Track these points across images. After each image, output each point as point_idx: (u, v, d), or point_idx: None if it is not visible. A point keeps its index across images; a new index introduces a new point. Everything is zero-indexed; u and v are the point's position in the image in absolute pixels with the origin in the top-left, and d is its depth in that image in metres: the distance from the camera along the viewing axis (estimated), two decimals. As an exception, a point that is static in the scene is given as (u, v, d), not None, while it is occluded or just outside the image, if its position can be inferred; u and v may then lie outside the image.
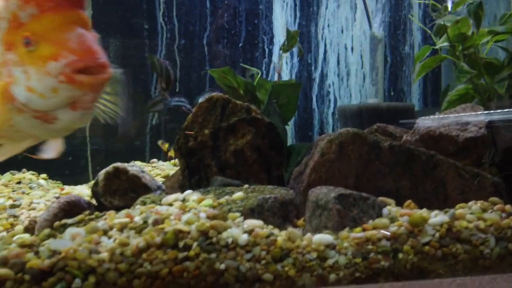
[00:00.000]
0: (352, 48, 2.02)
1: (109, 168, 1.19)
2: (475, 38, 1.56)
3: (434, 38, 1.68)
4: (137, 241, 0.85)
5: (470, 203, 1.07)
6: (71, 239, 0.88)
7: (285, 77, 1.95)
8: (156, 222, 0.90)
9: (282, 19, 1.99)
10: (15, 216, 1.21)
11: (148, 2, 1.90)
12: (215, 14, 1.92)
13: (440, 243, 0.93)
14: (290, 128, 2.04)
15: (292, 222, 1.08)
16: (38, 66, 0.77)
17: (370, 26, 1.80)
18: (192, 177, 1.31)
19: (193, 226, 0.87)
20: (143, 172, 1.23)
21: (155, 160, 1.96)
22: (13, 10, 0.79)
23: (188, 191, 1.09)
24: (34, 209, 1.28)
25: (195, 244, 0.85)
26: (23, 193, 1.44)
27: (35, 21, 0.79)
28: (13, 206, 1.26)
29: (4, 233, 1.12)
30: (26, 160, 1.87)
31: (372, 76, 1.79)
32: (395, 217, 0.98)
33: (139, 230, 0.90)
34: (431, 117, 1.34)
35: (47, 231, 0.94)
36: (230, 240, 0.86)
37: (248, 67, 1.60)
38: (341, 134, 1.21)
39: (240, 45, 2.00)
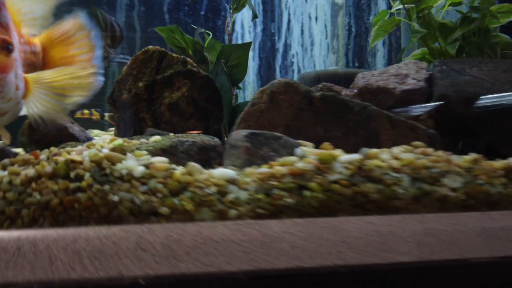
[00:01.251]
0: (316, 18, 1.98)
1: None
2: (428, 0, 1.52)
3: (391, 2, 1.64)
4: (27, 171, 0.83)
5: (393, 148, 1.03)
6: (-34, 171, 0.87)
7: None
8: (54, 156, 0.88)
9: (245, -13, 1.96)
10: None
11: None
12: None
13: (350, 181, 0.89)
14: (249, 96, 2.01)
15: (212, 168, 1.06)
16: None
17: (331, -9, 1.77)
18: (127, 130, 1.29)
19: (86, 157, 0.85)
20: (72, 123, 1.21)
21: (113, 128, 1.94)
22: None
23: (107, 136, 1.07)
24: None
25: (87, 174, 0.83)
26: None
27: None
28: None
29: None
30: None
31: (332, 43, 1.75)
32: (305, 156, 0.94)
33: (37, 164, 0.88)
34: (371, 72, 1.30)
35: None
36: (124, 172, 0.84)
37: (197, 27, 1.58)
38: (273, 84, 1.18)
39: (202, 13, 1.97)
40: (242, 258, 0.82)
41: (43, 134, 1.17)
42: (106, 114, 1.85)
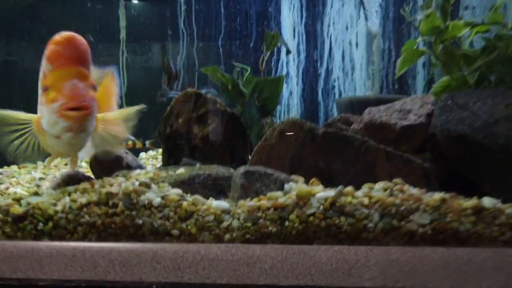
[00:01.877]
0: (356, 44, 2.09)
1: (99, 149, 1.52)
2: (449, 31, 1.58)
3: (419, 32, 1.72)
4: (81, 199, 1.15)
5: (377, 184, 1.17)
6: (46, 196, 1.22)
7: (293, 72, 2.12)
8: (101, 187, 1.19)
9: (289, 19, 2.15)
10: (38, 186, 1.60)
11: (171, 12, 2.23)
12: (228, 18, 2.17)
13: (324, 215, 1.06)
14: (288, 113, 2.19)
15: (226, 196, 1.29)
16: (48, 106, 1.16)
17: (367, 21, 1.86)
18: (170, 159, 1.58)
19: (120, 190, 1.14)
20: (126, 153, 1.54)
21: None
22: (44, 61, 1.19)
23: (149, 168, 1.36)
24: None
25: (120, 203, 1.12)
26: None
27: (50, 74, 1.16)
28: (40, 179, 1.67)
29: (28, 196, 1.51)
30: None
31: (368, 70, 1.85)
32: (289, 191, 1.13)
33: (90, 193, 1.20)
34: (381, 107, 1.42)
35: (34, 189, 1.29)
36: (146, 202, 1.11)
37: (237, 64, 1.81)
38: (282, 122, 1.37)
39: (251, 45, 2.21)
40: (230, 274, 1.04)
41: (106, 163, 1.51)
42: (147, 142, 2.18)
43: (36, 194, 1.28)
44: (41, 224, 1.13)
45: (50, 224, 1.13)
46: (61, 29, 1.20)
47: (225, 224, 1.08)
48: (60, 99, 1.13)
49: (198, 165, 1.39)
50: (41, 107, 1.21)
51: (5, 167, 2.01)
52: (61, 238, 1.13)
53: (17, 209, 1.16)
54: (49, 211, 1.14)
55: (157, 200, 1.11)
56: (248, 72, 1.84)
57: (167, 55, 1.99)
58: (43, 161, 2.20)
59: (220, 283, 1.05)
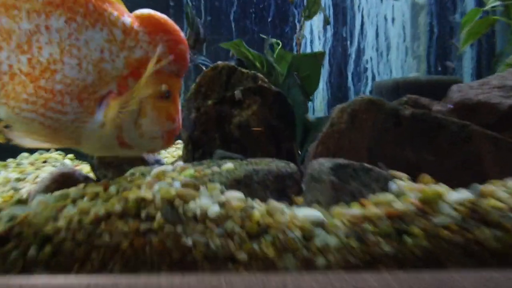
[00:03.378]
0: (393, 19, 1.80)
1: (103, 139, 1.13)
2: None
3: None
4: (97, 209, 0.77)
5: (507, 180, 0.86)
6: (37, 205, 0.83)
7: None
8: (124, 190, 0.82)
9: (314, -10, 1.83)
10: (16, 189, 1.19)
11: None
12: (242, -12, 1.81)
13: (460, 226, 0.74)
14: (318, 105, 1.87)
15: (291, 199, 0.95)
16: (159, 116, 0.87)
17: (412, -10, 1.58)
18: (196, 151, 1.22)
19: (157, 194, 0.77)
20: (140, 145, 1.15)
21: (180, 141, 1.90)
22: (159, 54, 0.84)
23: (179, 163, 1.00)
24: (37, 183, 1.26)
25: (158, 214, 0.75)
26: (34, 171, 1.44)
27: (173, 80, 0.88)
28: (17, 180, 1.26)
29: (1, 204, 1.10)
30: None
31: (413, 48, 1.57)
32: (403, 193, 0.80)
33: (107, 199, 0.82)
34: (469, 83, 1.12)
35: (16, 198, 0.89)
36: (198, 211, 0.75)
37: (266, 37, 1.47)
38: (354, 102, 1.05)
39: (269, 20, 1.86)
40: (333, 318, 0.71)
41: (114, 156, 1.12)
42: None
43: (20, 202, 0.88)
44: (33, 249, 0.75)
45: (48, 248, 0.75)
46: None
47: (317, 242, 0.74)
48: (176, 122, 0.89)
49: (242, 160, 1.04)
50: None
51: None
52: (66, 269, 0.75)
53: (-5, 227, 0.76)
54: (46, 229, 0.75)
55: (214, 209, 0.75)
56: (280, 47, 1.50)
57: (192, 9, 1.58)
58: (15, 158, 1.77)
59: (319, 333, 0.71)
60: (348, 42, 1.91)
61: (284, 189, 0.94)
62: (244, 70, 1.19)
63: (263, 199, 0.86)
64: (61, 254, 0.75)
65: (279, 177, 0.93)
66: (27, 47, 0.81)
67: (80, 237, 0.75)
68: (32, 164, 1.67)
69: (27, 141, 0.87)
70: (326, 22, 1.48)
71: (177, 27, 0.87)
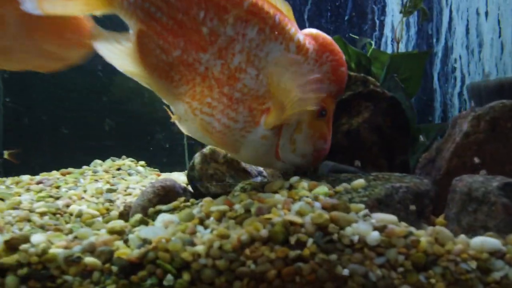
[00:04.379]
0: (486, 13, 1.65)
1: (206, 149, 1.06)
2: None
3: None
4: (238, 233, 0.69)
5: None
6: (164, 227, 0.76)
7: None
8: (260, 211, 0.74)
9: (395, -16, 1.71)
10: (111, 201, 1.14)
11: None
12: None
13: None
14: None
15: (429, 220, 0.84)
16: (314, 134, 0.87)
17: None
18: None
19: (307, 218, 0.69)
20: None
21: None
22: (322, 73, 0.86)
23: (295, 177, 0.90)
24: (130, 194, 1.21)
25: (310, 240, 0.67)
26: (122, 179, 1.39)
27: (329, 100, 0.87)
28: (110, 191, 1.21)
29: (100, 219, 1.05)
30: (126, 148, 1.87)
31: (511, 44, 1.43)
32: None
33: (240, 221, 0.74)
34: None
35: (138, 216, 0.83)
36: (356, 238, 0.66)
37: (359, 37, 1.37)
38: (494, 108, 0.93)
39: (346, 18, 1.75)
40: None
41: (216, 169, 1.05)
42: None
43: (142, 222, 0.82)
44: (170, 277, 0.67)
45: (186, 276, 0.67)
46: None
47: (496, 275, 0.64)
48: (328, 142, 0.90)
49: (361, 173, 0.94)
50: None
51: (43, 173, 1.53)
52: (206, 299, 0.68)
53: (126, 252, 0.69)
54: (184, 255, 0.68)
55: (373, 236, 0.66)
56: (372, 47, 1.39)
57: None
58: (89, 165, 1.74)
59: None
60: (434, 40, 1.78)
61: (423, 209, 0.84)
62: (352, 73, 1.09)
63: (406, 222, 0.76)
64: (200, 282, 0.68)
65: (418, 195, 0.83)
66: (224, 52, 0.80)
67: (222, 265, 0.67)
68: (106, 171, 1.62)
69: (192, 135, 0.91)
70: (424, 17, 1.36)
71: (340, 50, 0.88)
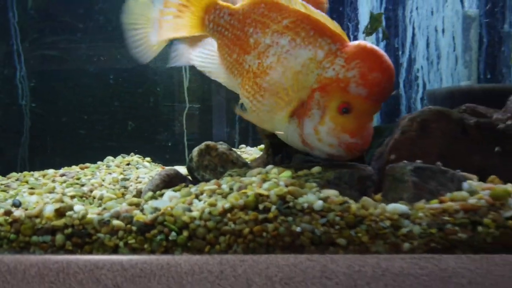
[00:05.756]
0: (443, 30, 1.93)
1: (202, 145, 1.33)
2: None
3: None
4: (223, 203, 0.96)
5: None
6: (169, 200, 1.03)
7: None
8: (240, 188, 1.01)
9: (367, 5, 1.98)
10: (125, 187, 1.41)
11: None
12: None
13: (526, 218, 0.89)
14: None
15: (370, 197, 1.11)
16: (335, 127, 1.04)
17: (463, 4, 1.70)
18: (276, 155, 1.39)
19: (272, 192, 0.95)
20: (230, 150, 1.35)
21: (243, 145, 2.10)
22: (347, 77, 1.03)
23: (270, 166, 1.18)
24: (140, 182, 1.47)
25: (273, 207, 0.94)
26: (132, 171, 1.66)
27: (356, 99, 1.03)
28: (124, 179, 1.47)
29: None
30: (133, 146, 2.14)
31: (465, 58, 1.69)
32: (475, 191, 0.96)
33: (225, 195, 1.01)
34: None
35: (150, 194, 1.10)
36: (306, 205, 0.93)
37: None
38: (423, 112, 1.20)
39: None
40: (420, 290, 0.87)
41: (210, 161, 1.32)
42: None
43: (153, 197, 1.09)
44: (173, 234, 0.94)
45: (185, 233, 0.94)
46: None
47: (404, 230, 0.91)
48: (357, 138, 1.05)
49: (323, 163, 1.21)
50: (315, 107, 1.07)
51: (65, 168, 1.80)
52: (199, 250, 0.95)
53: (142, 217, 0.97)
54: (184, 218, 0.95)
55: (319, 203, 0.93)
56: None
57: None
58: (102, 161, 2.01)
59: (408, 303, 0.87)
60: (400, 52, 2.05)
61: (365, 188, 1.11)
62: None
63: (350, 197, 1.03)
64: (195, 238, 0.94)
65: (361, 178, 1.09)
66: (262, 55, 1.10)
67: (211, 225, 0.94)
68: (118, 166, 1.89)
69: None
70: (385, 37, 1.63)
71: (382, 58, 1.02)
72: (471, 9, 1.75)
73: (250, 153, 2.03)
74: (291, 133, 1.11)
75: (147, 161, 2.04)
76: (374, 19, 1.55)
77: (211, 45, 1.27)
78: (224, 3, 1.22)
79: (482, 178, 1.09)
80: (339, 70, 1.03)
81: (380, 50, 1.04)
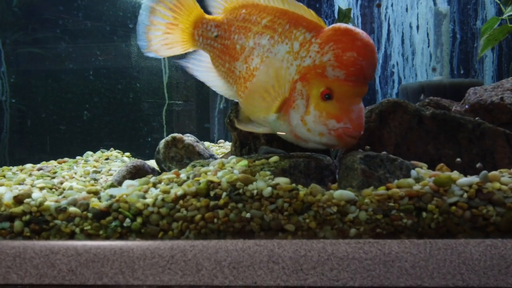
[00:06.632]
0: (417, 27, 1.95)
1: (168, 137, 1.36)
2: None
3: (502, 8, 1.58)
4: (176, 190, 0.98)
5: (513, 169, 1.02)
6: (126, 188, 1.05)
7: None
8: (194, 176, 1.03)
9: (343, 2, 2.01)
10: (95, 179, 1.43)
11: None
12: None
13: (468, 204, 0.91)
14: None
15: (327, 186, 1.13)
16: (321, 114, 1.01)
17: (435, 1, 1.72)
18: (243, 148, 1.42)
19: (223, 179, 0.98)
20: (197, 142, 1.37)
21: (222, 140, 2.12)
22: (323, 62, 1.00)
23: (232, 156, 1.20)
24: (111, 175, 1.50)
25: (224, 194, 0.96)
26: (107, 164, 1.68)
27: (336, 82, 1.00)
28: (95, 172, 1.50)
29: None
30: (115, 141, 2.16)
31: (436, 53, 1.72)
32: (421, 178, 0.98)
33: (181, 183, 1.03)
34: (484, 86, 1.28)
35: (109, 182, 1.12)
36: (255, 192, 0.95)
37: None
38: (382, 104, 1.22)
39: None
40: (364, 274, 0.89)
41: (176, 152, 1.34)
42: None
43: (112, 186, 1.11)
44: (128, 220, 0.97)
45: (139, 219, 0.97)
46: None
47: (350, 216, 0.93)
48: (344, 121, 0.99)
49: (285, 154, 1.23)
50: (298, 98, 1.04)
51: (43, 162, 1.83)
52: (153, 236, 0.97)
53: (98, 204, 0.99)
54: (137, 205, 0.97)
55: (268, 190, 0.95)
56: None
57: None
58: (82, 155, 2.03)
59: (352, 286, 0.89)
60: (376, 48, 2.08)
61: (322, 178, 1.13)
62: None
63: (305, 185, 1.05)
64: (149, 224, 0.97)
65: (318, 167, 1.12)
66: (247, 59, 1.12)
67: (164, 212, 0.96)
68: (96, 161, 1.91)
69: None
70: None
71: (356, 36, 0.97)
72: (443, 5, 1.77)
73: (228, 147, 2.05)
74: (285, 129, 1.09)
75: (127, 156, 2.06)
76: (343, 14, 1.57)
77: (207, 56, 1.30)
78: (210, 16, 1.26)
79: (434, 167, 1.11)
80: (315, 56, 1.01)
81: (356, 29, 0.99)
